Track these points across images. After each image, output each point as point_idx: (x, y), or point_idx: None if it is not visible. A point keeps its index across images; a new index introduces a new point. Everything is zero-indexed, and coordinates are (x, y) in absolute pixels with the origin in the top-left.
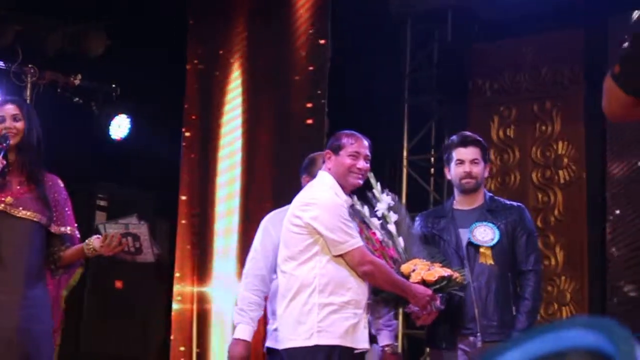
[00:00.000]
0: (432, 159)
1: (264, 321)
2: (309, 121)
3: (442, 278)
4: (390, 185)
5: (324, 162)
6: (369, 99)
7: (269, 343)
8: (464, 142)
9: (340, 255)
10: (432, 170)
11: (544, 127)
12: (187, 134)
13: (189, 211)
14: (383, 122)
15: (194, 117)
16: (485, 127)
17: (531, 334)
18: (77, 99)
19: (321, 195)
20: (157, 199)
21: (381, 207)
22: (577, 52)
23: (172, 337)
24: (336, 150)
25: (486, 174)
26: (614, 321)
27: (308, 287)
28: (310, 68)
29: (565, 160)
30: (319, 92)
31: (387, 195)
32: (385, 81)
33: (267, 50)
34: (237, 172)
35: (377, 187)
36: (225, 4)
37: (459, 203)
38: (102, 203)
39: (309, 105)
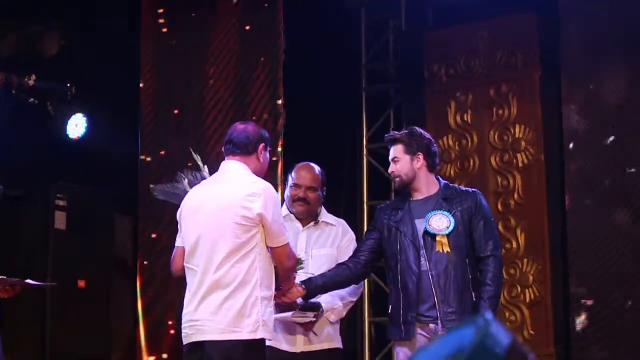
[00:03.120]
0: None
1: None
2: (265, 116)
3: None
4: (351, 174)
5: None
6: (326, 90)
7: None
8: (387, 142)
9: (273, 248)
10: None
11: (500, 111)
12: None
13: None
14: (341, 113)
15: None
16: (442, 113)
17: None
18: (32, 99)
19: (266, 186)
20: (117, 196)
21: None
22: (530, 34)
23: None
24: None
25: (418, 164)
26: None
27: (251, 279)
28: (262, 59)
29: (523, 143)
30: (274, 85)
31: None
32: (342, 72)
33: (220, 47)
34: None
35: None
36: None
37: (413, 194)
38: (61, 203)
39: (264, 99)
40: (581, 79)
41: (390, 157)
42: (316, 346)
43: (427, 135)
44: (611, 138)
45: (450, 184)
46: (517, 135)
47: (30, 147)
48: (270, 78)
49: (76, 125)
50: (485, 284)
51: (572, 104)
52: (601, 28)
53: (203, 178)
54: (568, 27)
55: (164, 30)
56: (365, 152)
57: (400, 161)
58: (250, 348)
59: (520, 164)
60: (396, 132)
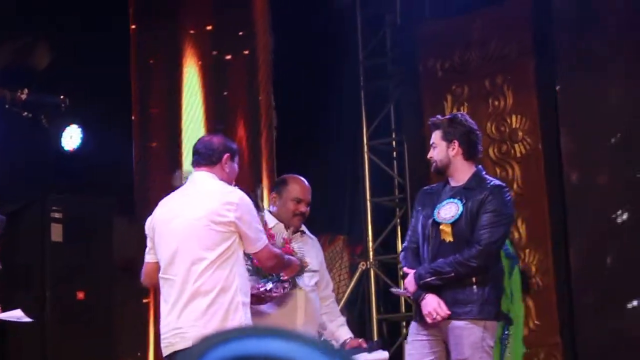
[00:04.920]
0: (393, 143)
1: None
2: (252, 121)
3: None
4: (354, 172)
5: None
6: (323, 89)
7: None
8: (430, 127)
9: (254, 254)
10: (394, 153)
11: (496, 102)
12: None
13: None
14: (340, 110)
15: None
16: (439, 107)
17: (245, 333)
18: (26, 113)
19: (241, 195)
20: (115, 206)
21: None
22: (523, 23)
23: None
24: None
25: (453, 152)
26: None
27: (231, 286)
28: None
29: (520, 133)
30: (262, 86)
31: None
32: (339, 70)
33: (208, 50)
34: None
35: None
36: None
37: (450, 181)
38: (57, 215)
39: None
40: (576, 66)
41: (431, 142)
42: None
43: (470, 123)
44: (609, 126)
45: (484, 175)
46: (514, 126)
47: (25, 161)
48: (256, 79)
49: (71, 137)
50: (443, 262)
51: (567, 92)
52: (595, 14)
53: None
54: (561, 14)
55: (147, 38)
56: (366, 149)
57: (437, 147)
58: None
59: (518, 154)
60: (438, 117)
